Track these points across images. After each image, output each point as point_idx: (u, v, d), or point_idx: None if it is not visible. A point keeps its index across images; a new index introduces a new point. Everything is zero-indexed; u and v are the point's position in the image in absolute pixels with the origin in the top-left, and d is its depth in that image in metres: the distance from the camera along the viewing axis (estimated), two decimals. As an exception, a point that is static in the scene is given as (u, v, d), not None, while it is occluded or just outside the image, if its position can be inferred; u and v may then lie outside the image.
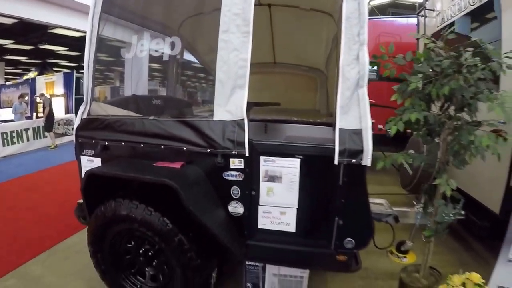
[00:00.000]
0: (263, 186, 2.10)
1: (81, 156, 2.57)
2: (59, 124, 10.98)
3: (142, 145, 2.28)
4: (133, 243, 2.35)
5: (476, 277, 2.19)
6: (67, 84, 12.37)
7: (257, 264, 2.39)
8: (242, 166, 2.05)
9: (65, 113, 12.23)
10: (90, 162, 2.53)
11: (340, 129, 1.92)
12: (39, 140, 10.15)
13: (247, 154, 2.01)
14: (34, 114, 12.06)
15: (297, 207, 2.10)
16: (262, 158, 2.06)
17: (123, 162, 2.33)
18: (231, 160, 2.05)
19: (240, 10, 1.98)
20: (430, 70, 2.25)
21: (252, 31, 1.98)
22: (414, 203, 3.33)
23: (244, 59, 1.98)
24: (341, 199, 2.01)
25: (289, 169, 2.05)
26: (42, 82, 13.05)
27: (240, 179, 2.07)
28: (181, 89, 3.95)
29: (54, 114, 10.18)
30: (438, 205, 2.39)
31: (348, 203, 2.02)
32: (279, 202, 2.11)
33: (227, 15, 2.00)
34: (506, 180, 2.73)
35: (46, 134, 10.08)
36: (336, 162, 1.90)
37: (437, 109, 2.42)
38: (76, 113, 11.74)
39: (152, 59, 2.67)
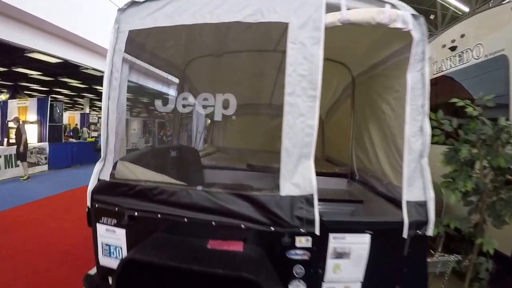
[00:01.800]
0: (330, 263, 1.90)
1: (98, 224, 2.13)
2: (31, 153, 10.08)
3: (186, 220, 1.93)
4: None
5: None
6: (41, 110, 11.39)
7: None
8: (309, 245, 1.83)
9: (38, 141, 11.23)
10: (110, 233, 2.12)
11: (408, 202, 1.90)
12: (10, 169, 9.23)
13: (317, 233, 1.80)
14: (5, 140, 10.97)
15: (362, 281, 1.95)
16: (331, 235, 1.87)
17: (167, 243, 1.91)
18: (297, 238, 1.82)
19: (306, 71, 1.80)
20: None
21: (319, 96, 1.80)
22: (432, 252, 3.33)
23: (310, 126, 1.80)
24: (404, 268, 1.95)
25: (358, 245, 1.90)
26: (14, 106, 11.92)
27: (306, 257, 1.85)
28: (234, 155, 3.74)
29: (28, 142, 9.31)
30: (479, 262, 2.40)
31: (409, 271, 1.96)
32: (345, 278, 1.93)
33: (292, 75, 1.81)
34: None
35: (19, 163, 9.19)
36: (405, 236, 1.86)
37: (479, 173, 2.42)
38: (49, 140, 11.15)
39: (197, 117, 2.40)
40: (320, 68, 1.79)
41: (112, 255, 2.16)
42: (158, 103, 2.63)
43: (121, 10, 2.14)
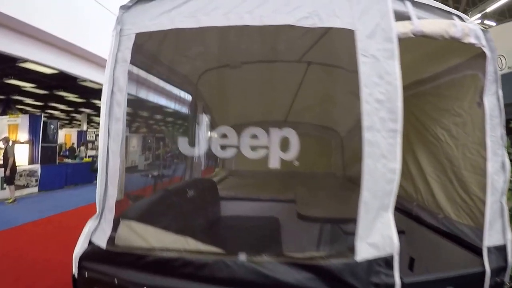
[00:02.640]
0: None
1: None
2: (21, 175, 9.24)
3: None
4: None
5: None
6: (33, 128, 10.34)
7: None
8: None
9: (29, 163, 10.20)
10: None
11: (488, 248, 1.68)
12: (-3, 191, 8.43)
13: None
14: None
15: None
16: None
17: None
18: None
19: (384, 95, 1.44)
20: None
21: (401, 130, 1.44)
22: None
23: (392, 170, 1.45)
24: None
25: None
26: (4, 124, 10.89)
27: None
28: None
29: (17, 164, 8.51)
30: None
31: None
32: None
33: (370, 102, 1.44)
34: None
35: (5, 186, 8.37)
36: (486, 287, 1.63)
37: None
38: (42, 162, 10.23)
39: (244, 161, 2.05)
40: (400, 90, 1.44)
41: None
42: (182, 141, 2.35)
43: (125, 8, 1.61)
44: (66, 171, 11.54)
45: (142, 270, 1.52)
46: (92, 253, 1.57)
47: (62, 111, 20.64)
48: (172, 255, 1.54)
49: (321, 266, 1.44)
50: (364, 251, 1.44)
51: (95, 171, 10.47)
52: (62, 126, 19.39)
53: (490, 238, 1.69)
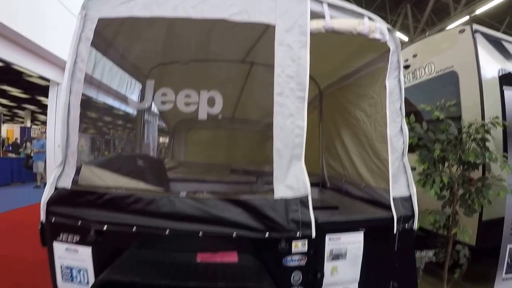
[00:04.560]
0: (328, 266, 1.80)
1: (55, 243, 1.71)
2: None
3: (167, 232, 1.64)
4: None
5: None
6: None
7: None
8: (305, 249, 1.69)
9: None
10: (71, 253, 1.71)
11: (394, 198, 1.95)
12: None
13: (314, 236, 1.67)
14: None
15: (358, 280, 1.91)
16: (327, 236, 1.78)
17: (147, 260, 1.60)
18: (293, 243, 1.67)
19: (294, 73, 1.73)
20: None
21: (307, 97, 1.74)
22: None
23: (300, 127, 1.72)
24: (396, 263, 1.97)
25: (353, 244, 1.84)
26: None
27: (303, 263, 1.70)
28: (223, 156, 3.46)
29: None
30: (457, 250, 2.64)
31: (401, 265, 1.99)
32: (343, 280, 1.86)
33: (281, 76, 1.72)
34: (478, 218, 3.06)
35: None
36: (395, 230, 1.89)
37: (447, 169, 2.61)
38: None
39: (177, 114, 2.12)
40: (307, 70, 1.74)
41: (75, 279, 1.75)
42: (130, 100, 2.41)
43: None
44: (12, 166, 11.02)
45: (101, 208, 1.67)
46: (58, 197, 1.71)
47: (4, 106, 19.26)
48: (126, 193, 1.70)
49: (246, 202, 1.67)
50: (281, 191, 1.68)
51: (29, 167, 9.93)
52: (3, 122, 18.06)
53: (396, 190, 1.96)
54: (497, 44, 3.68)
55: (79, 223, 1.66)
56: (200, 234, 1.63)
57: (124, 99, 2.77)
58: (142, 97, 2.90)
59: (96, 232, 1.65)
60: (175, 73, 2.98)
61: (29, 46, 7.62)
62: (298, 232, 1.66)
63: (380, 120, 2.23)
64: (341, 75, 2.98)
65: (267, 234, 1.64)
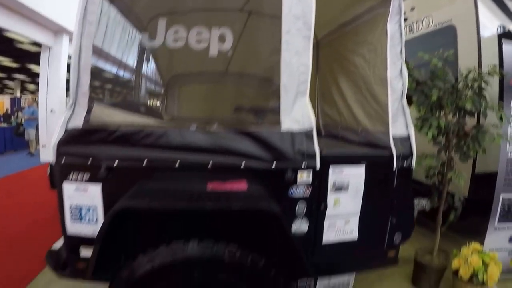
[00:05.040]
0: (331, 197, 1.87)
1: (65, 184, 1.71)
2: None
3: (177, 165, 1.68)
4: None
5: (476, 246, 2.65)
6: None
7: (307, 282, 2.14)
8: (310, 180, 1.76)
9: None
10: (81, 192, 1.72)
11: (394, 137, 2.03)
12: None
13: (318, 167, 1.74)
14: None
15: (359, 213, 1.99)
16: (331, 168, 1.84)
17: (160, 190, 1.64)
18: (299, 173, 1.74)
19: (300, 13, 1.73)
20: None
21: (312, 36, 1.75)
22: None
23: (305, 65, 1.75)
24: (394, 199, 2.06)
25: (355, 177, 1.91)
26: None
27: (308, 194, 1.78)
28: (231, 91, 3.26)
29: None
30: (452, 194, 2.77)
31: (399, 202, 2.08)
32: (344, 212, 1.94)
33: (289, 15, 1.73)
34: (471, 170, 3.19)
35: None
36: (394, 167, 1.99)
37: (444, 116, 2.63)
38: None
39: (190, 52, 2.03)
40: (313, 10, 1.75)
41: (84, 219, 1.77)
42: None
43: None
44: (4, 135, 10.94)
45: (113, 144, 1.68)
46: (69, 137, 1.70)
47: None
48: (137, 128, 1.71)
49: (255, 133, 1.72)
50: (287, 123, 1.74)
51: (20, 135, 9.85)
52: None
53: (395, 130, 2.04)
54: (497, 1, 3.65)
55: (90, 161, 1.67)
56: (210, 165, 1.68)
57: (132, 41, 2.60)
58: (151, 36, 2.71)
59: (107, 168, 1.66)
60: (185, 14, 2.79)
61: (18, 8, 7.33)
62: (304, 163, 1.72)
63: (379, 64, 2.24)
64: (339, 23, 2.97)
65: (274, 164, 1.70)
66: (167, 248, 1.54)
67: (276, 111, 1.76)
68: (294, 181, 1.74)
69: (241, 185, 1.65)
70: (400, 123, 2.07)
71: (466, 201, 3.11)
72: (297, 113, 1.76)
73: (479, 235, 2.92)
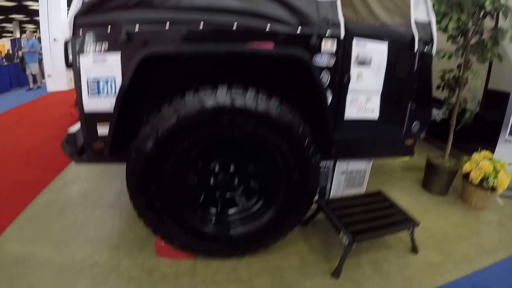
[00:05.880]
0: (354, 70, 1.88)
1: (81, 58, 1.63)
2: None
3: (201, 27, 1.59)
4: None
5: (487, 154, 2.68)
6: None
7: (326, 165, 2.27)
8: (334, 50, 1.76)
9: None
10: (99, 64, 1.63)
11: (416, 21, 1.99)
12: None
13: (342, 36, 1.74)
14: None
15: (381, 92, 2.02)
16: (355, 40, 1.83)
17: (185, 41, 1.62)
18: (323, 41, 1.73)
19: None
20: None
21: None
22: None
23: None
24: (414, 84, 2.07)
25: (378, 52, 1.91)
26: None
27: (331, 64, 1.78)
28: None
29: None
30: (470, 94, 2.75)
31: (419, 89, 2.09)
32: (367, 88, 1.97)
33: None
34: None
35: None
36: (415, 49, 1.97)
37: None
38: None
39: None
40: None
41: (102, 92, 1.68)
42: None
43: None
44: (9, 72, 10.81)
45: (134, 8, 1.58)
46: (87, 7, 1.59)
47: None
48: None
49: None
50: None
51: (25, 70, 9.52)
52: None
53: (416, 15, 2.01)
54: None
55: (109, 28, 1.59)
56: (235, 26, 1.62)
57: None
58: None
59: (127, 33, 1.58)
60: None
61: None
62: (329, 31, 1.71)
63: None
64: None
65: (299, 29, 1.68)
66: (194, 96, 1.56)
67: None
68: (319, 49, 1.74)
69: (268, 45, 1.65)
70: (422, 9, 2.03)
71: (478, 116, 3.08)
72: None
73: (491, 143, 2.88)
